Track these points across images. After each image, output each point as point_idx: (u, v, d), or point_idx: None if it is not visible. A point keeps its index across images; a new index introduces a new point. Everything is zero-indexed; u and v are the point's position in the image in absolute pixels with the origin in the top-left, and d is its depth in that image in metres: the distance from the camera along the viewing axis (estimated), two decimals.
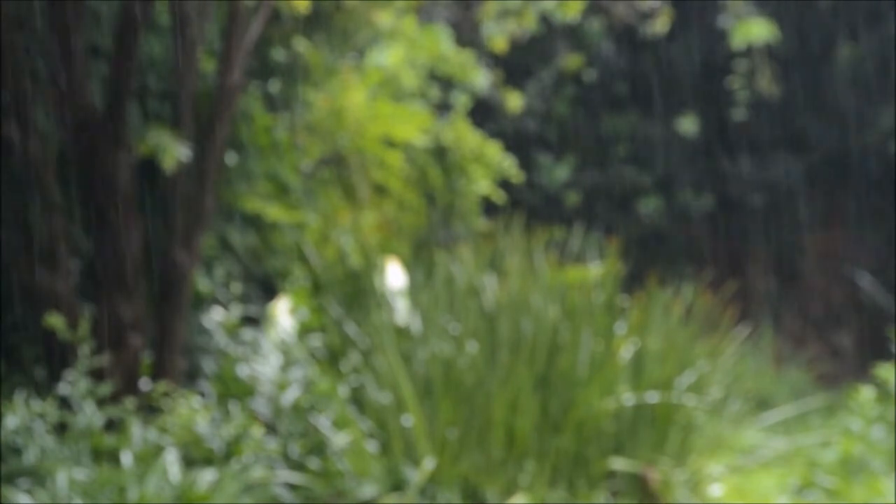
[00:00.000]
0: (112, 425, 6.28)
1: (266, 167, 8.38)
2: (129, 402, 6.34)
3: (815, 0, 14.53)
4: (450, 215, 9.91)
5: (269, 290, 8.18)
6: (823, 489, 7.29)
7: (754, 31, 10.70)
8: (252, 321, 7.71)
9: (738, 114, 13.84)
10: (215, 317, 7.46)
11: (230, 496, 6.00)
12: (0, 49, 6.54)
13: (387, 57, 9.62)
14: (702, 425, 8.11)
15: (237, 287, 7.69)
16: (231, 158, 7.94)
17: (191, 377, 7.35)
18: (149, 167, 7.06)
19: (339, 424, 6.91)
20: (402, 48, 9.67)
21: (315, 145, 9.06)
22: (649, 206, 14.85)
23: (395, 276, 8.19)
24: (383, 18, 9.47)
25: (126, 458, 6.02)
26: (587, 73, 14.65)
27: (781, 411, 9.46)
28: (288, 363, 7.05)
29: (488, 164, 10.02)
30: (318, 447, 6.80)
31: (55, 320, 6.36)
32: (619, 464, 7.65)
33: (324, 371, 7.22)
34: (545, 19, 11.53)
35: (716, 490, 7.96)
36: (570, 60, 14.00)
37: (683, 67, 14.71)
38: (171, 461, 6.04)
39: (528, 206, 12.21)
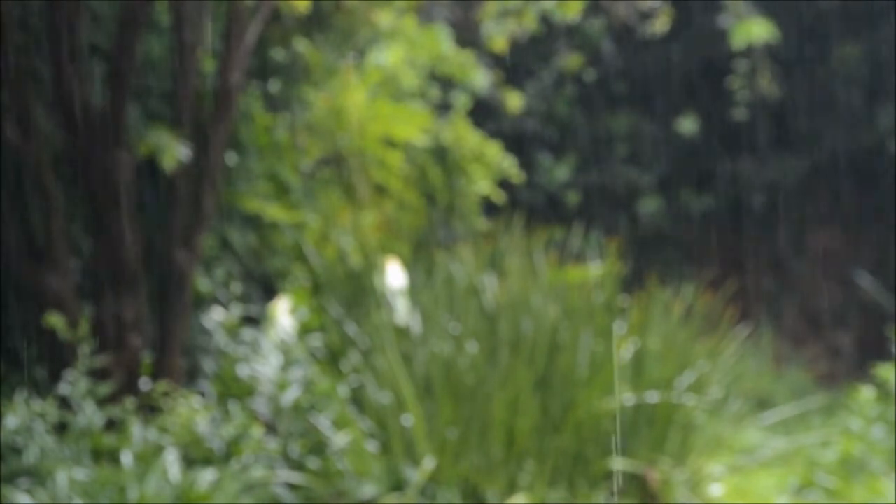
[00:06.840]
0: (112, 425, 6.29)
1: (266, 167, 8.38)
2: (129, 402, 6.34)
3: (815, 0, 14.52)
4: (450, 215, 9.90)
5: (269, 290, 8.18)
6: (823, 489, 7.29)
7: (754, 31, 10.69)
8: (252, 321, 7.70)
9: (738, 114, 13.83)
10: (215, 317, 7.46)
11: (230, 496, 6.00)
12: (0, 49, 6.55)
13: (387, 57, 9.61)
14: (702, 425, 8.10)
15: (237, 287, 7.69)
16: (231, 158, 7.94)
17: (191, 377, 7.35)
18: (149, 167, 7.06)
19: (339, 424, 6.91)
20: (402, 48, 9.66)
21: (315, 145, 9.06)
22: (649, 206, 14.83)
23: (395, 276, 8.18)
24: (383, 18, 9.46)
25: (126, 458, 6.03)
26: (587, 73, 14.64)
27: (781, 411, 9.46)
28: (288, 363, 7.05)
29: (488, 164, 10.02)
30: (318, 447, 6.80)
31: (55, 320, 6.36)
32: (619, 464, 7.66)
33: (324, 371, 7.22)
34: (545, 19, 11.51)
35: (716, 490, 7.95)
36: (570, 60, 13.98)
37: (683, 67, 14.70)
38: (171, 461, 6.04)
39: (528, 206, 12.20)
